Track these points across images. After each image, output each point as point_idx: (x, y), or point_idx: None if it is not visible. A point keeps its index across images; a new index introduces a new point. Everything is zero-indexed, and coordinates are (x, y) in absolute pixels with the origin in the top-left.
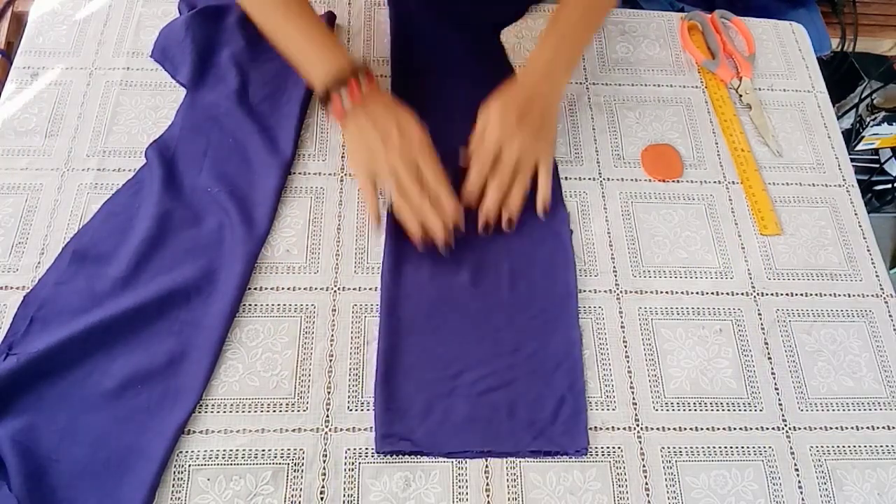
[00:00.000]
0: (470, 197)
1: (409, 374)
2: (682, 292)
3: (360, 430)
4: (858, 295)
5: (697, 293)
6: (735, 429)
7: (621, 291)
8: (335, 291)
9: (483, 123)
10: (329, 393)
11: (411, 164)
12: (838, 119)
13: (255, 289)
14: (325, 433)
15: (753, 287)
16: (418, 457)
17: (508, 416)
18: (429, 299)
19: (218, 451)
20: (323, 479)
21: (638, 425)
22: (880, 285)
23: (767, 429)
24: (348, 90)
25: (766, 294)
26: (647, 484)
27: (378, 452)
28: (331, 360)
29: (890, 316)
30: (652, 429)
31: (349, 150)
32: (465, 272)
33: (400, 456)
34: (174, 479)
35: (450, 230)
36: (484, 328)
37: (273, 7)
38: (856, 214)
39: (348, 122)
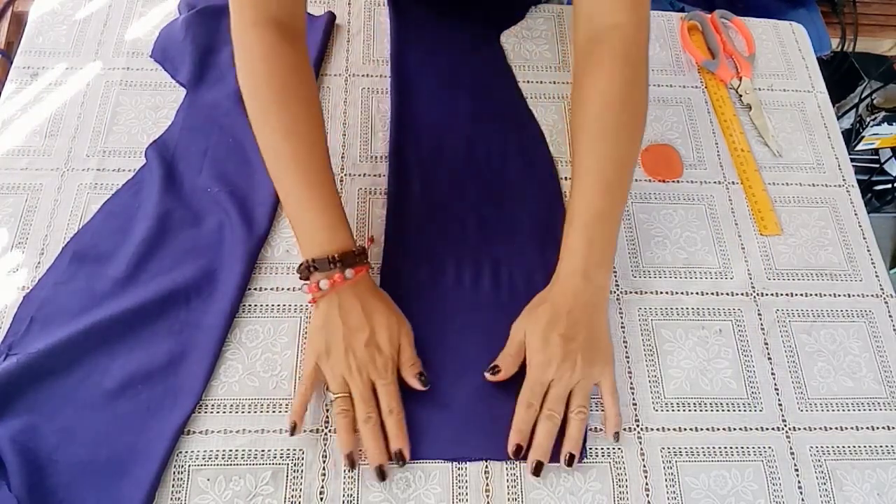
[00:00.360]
0: (519, 440)
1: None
2: (682, 292)
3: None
4: (858, 295)
5: (697, 293)
6: (735, 429)
7: (621, 291)
8: None
9: (517, 348)
10: (329, 393)
11: (366, 383)
12: (838, 119)
13: (255, 289)
14: (325, 433)
15: (753, 287)
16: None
17: (509, 426)
18: (426, 305)
19: (218, 451)
20: (323, 480)
21: (638, 425)
22: (880, 285)
23: (767, 429)
24: (329, 279)
25: (766, 294)
26: (647, 484)
27: None
28: None
29: (890, 316)
30: (652, 429)
31: (310, 329)
32: (464, 279)
33: None
34: (174, 479)
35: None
36: (482, 336)
37: (289, 163)
38: (856, 214)
39: (321, 302)
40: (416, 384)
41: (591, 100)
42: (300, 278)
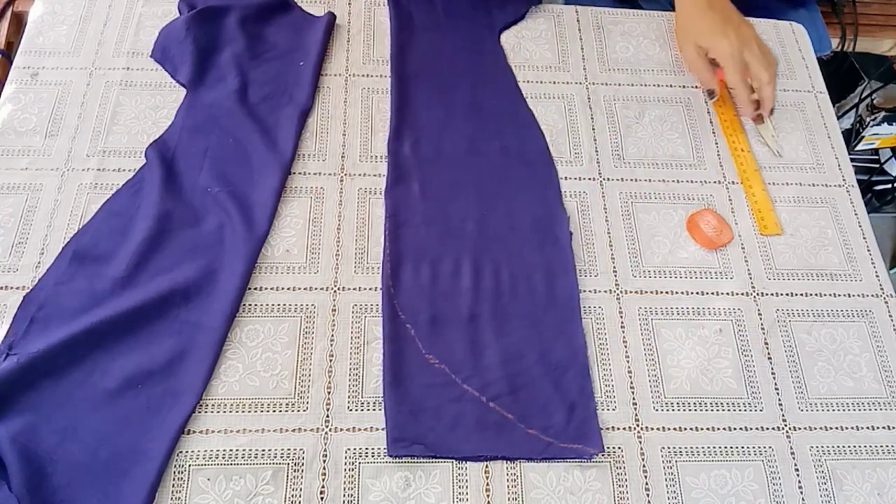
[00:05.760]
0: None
1: (417, 378)
2: (682, 292)
3: (360, 430)
4: (858, 295)
5: (697, 293)
6: (735, 429)
7: (621, 291)
8: (335, 291)
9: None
10: (329, 393)
11: None
12: (838, 119)
13: (255, 289)
14: (325, 433)
15: (753, 287)
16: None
17: (520, 422)
18: (426, 305)
19: (218, 451)
20: (323, 479)
21: (638, 425)
22: (880, 285)
23: (767, 429)
24: None
25: (766, 294)
26: (647, 484)
27: (391, 456)
28: (331, 360)
29: (890, 316)
30: (652, 429)
31: None
32: (463, 279)
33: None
34: (174, 479)
35: None
36: (486, 335)
37: None
38: (856, 214)
39: None
40: None
41: None
42: None
